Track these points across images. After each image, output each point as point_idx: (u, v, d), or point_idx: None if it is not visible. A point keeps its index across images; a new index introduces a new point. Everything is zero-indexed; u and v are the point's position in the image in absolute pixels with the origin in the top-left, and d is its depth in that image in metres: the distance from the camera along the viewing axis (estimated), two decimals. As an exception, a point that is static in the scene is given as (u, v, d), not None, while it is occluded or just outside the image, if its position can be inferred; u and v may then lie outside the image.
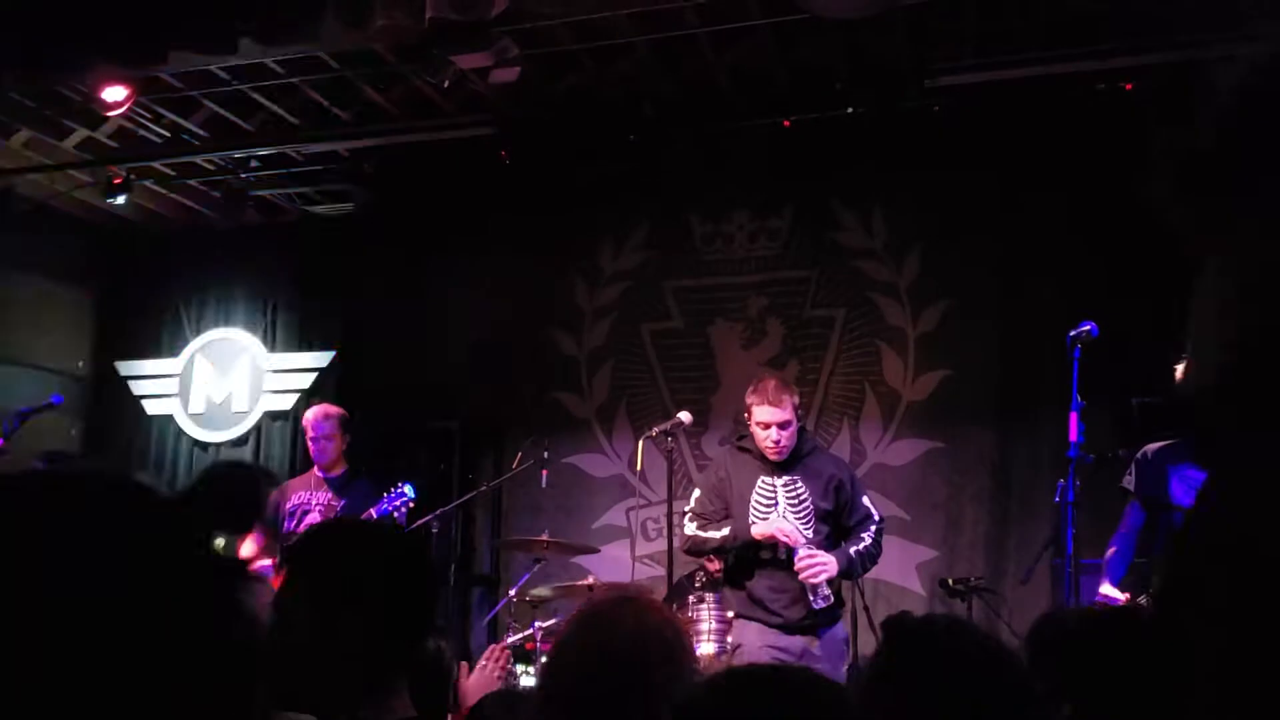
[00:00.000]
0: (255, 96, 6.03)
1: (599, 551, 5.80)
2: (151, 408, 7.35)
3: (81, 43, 4.24)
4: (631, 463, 4.42)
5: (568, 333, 6.75)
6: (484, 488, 5.76)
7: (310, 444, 5.34)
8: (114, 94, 5.38)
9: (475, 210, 6.79)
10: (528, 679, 5.39)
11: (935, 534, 5.98)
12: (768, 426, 3.95)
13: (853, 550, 3.98)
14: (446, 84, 4.92)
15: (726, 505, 4.03)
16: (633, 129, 6.12)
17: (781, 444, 3.94)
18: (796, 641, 3.97)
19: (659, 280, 6.61)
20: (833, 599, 3.93)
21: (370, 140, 6.34)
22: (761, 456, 4.01)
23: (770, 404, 3.96)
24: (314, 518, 5.11)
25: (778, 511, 3.96)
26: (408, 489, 4.85)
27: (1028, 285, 5.87)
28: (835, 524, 4.05)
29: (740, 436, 4.19)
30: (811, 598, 3.84)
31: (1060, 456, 4.39)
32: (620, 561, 6.18)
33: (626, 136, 6.15)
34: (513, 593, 5.43)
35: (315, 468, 5.38)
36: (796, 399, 4.08)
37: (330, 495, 5.24)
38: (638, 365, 6.54)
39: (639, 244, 6.69)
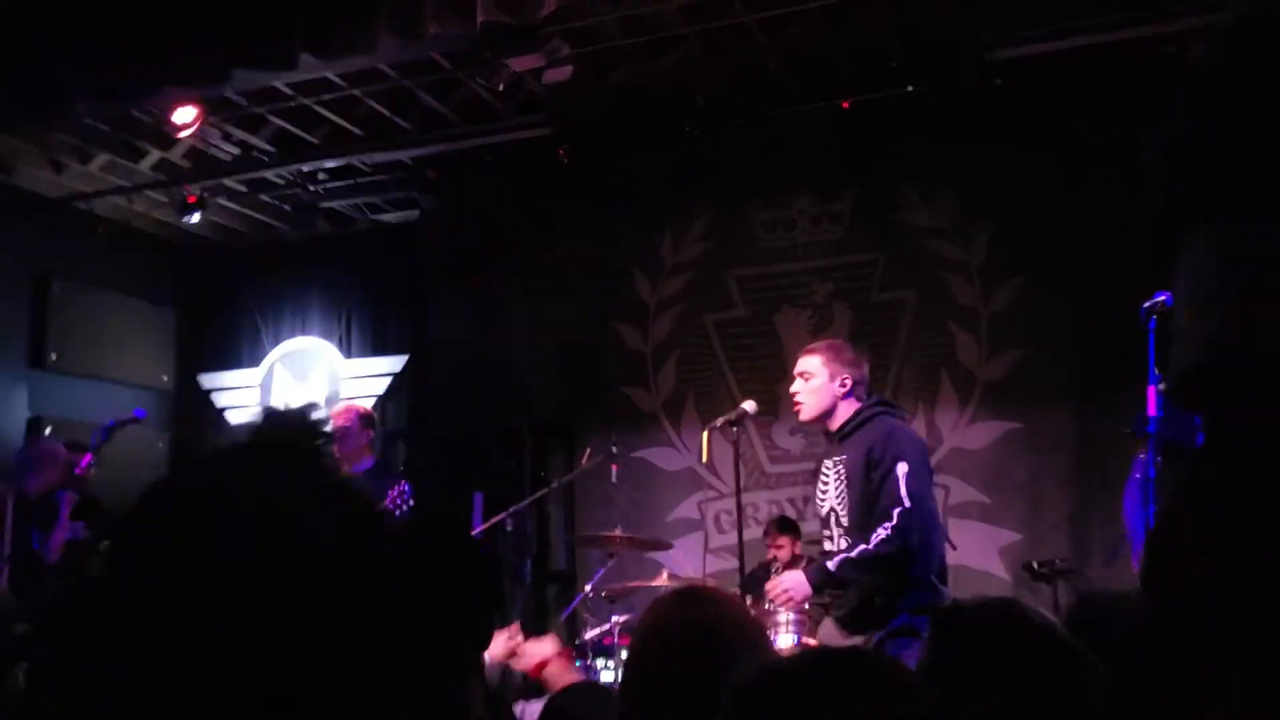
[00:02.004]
0: (319, 110, 6.16)
1: (672, 546, 5.79)
2: (234, 418, 7.56)
3: (147, 67, 4.37)
4: (700, 455, 4.38)
5: (632, 327, 6.76)
6: (554, 485, 5.80)
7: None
8: (183, 115, 5.55)
9: (537, 210, 6.84)
10: (608, 673, 5.42)
11: (1017, 517, 5.85)
12: (793, 379, 3.76)
13: (832, 564, 3.52)
14: (501, 87, 4.96)
15: None
16: (688, 120, 6.10)
17: (796, 397, 3.71)
18: (858, 641, 3.57)
19: (721, 270, 6.58)
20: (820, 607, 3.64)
21: (432, 147, 6.43)
22: (830, 437, 3.75)
23: (801, 353, 3.79)
24: None
25: (829, 500, 3.72)
26: (405, 485, 4.76)
27: (1101, 257, 5.69)
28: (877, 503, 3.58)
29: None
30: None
31: (1143, 432, 4.26)
32: (694, 554, 6.18)
33: (682, 128, 6.14)
34: (588, 588, 5.46)
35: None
36: (833, 356, 3.66)
37: None
38: (704, 356, 6.52)
39: (700, 234, 6.67)
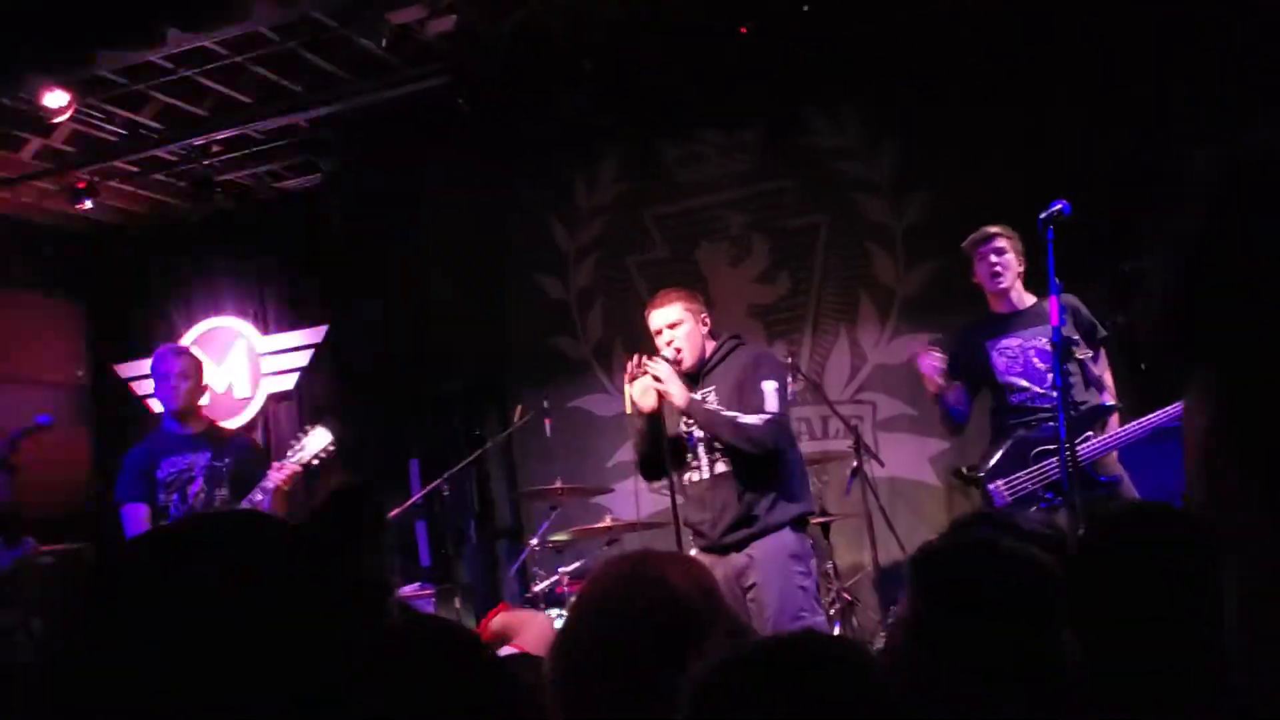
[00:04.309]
0: (203, 81, 5.92)
1: (613, 490, 5.82)
2: (156, 406, 7.37)
3: (7, 55, 4.14)
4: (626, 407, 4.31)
5: (554, 276, 6.69)
6: (489, 444, 5.77)
7: (160, 387, 4.58)
8: (55, 100, 5.29)
9: (444, 163, 6.67)
10: (561, 623, 5.47)
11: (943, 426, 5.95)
12: (659, 333, 3.87)
13: (722, 411, 3.70)
14: (385, 42, 4.80)
15: None
16: (587, 58, 5.96)
17: (675, 345, 3.82)
18: (733, 563, 3.74)
19: (637, 210, 6.53)
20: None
21: (324, 108, 6.21)
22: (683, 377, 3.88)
23: (654, 307, 3.92)
24: (199, 485, 4.44)
25: (697, 429, 3.86)
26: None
27: (1010, 163, 5.72)
28: None
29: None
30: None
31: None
32: (638, 496, 6.21)
33: (582, 66, 6.00)
34: (534, 541, 5.48)
35: (173, 424, 4.59)
36: (690, 302, 3.91)
37: (210, 455, 4.49)
38: (629, 300, 6.48)
39: (612, 176, 6.59)
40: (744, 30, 5.81)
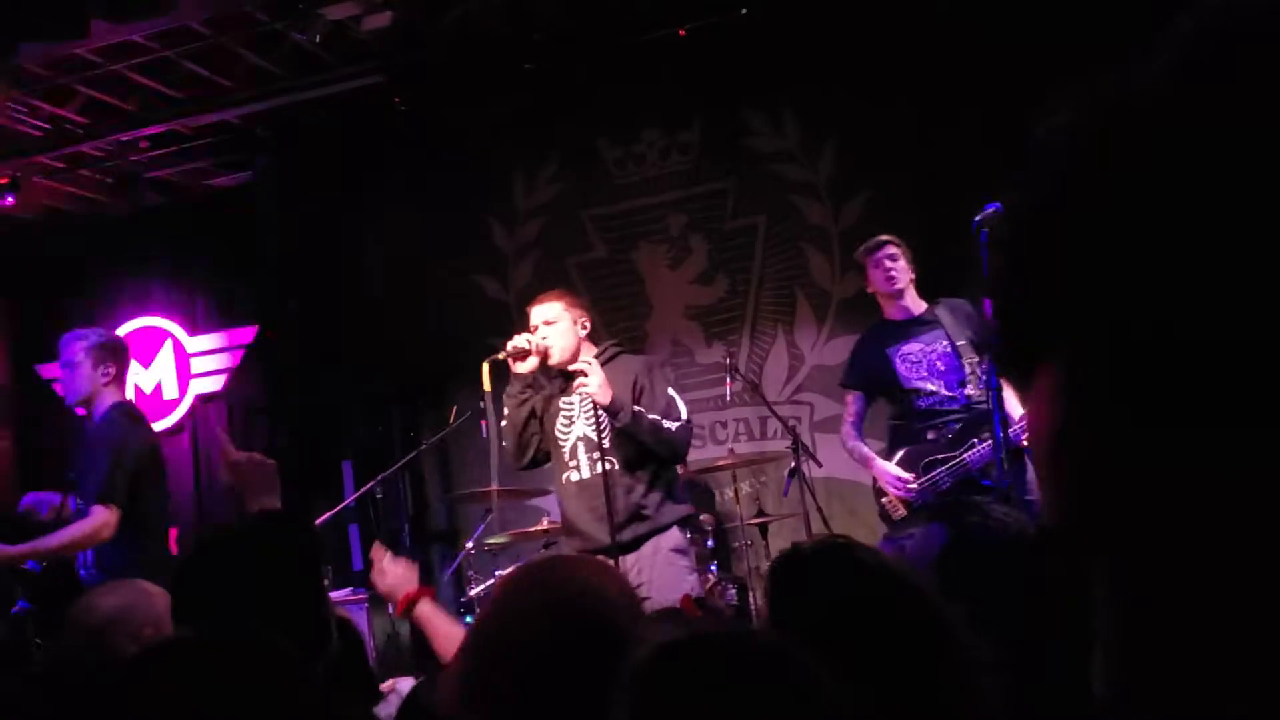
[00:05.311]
0: (132, 75, 5.78)
1: (550, 493, 5.78)
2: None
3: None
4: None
5: (492, 277, 6.64)
6: (423, 447, 5.71)
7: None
8: (-24, 93, 5.14)
9: (380, 163, 6.60)
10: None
11: (880, 425, 6.01)
12: (535, 329, 3.91)
13: (647, 414, 3.73)
14: (319, 38, 4.72)
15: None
16: (526, 57, 5.94)
17: (545, 342, 3.85)
18: (624, 565, 3.71)
19: (576, 211, 6.50)
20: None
21: (258, 105, 6.11)
22: (559, 376, 3.95)
23: (535, 303, 3.97)
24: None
25: (576, 430, 3.91)
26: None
27: (944, 166, 5.80)
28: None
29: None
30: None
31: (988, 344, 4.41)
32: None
33: (521, 66, 5.97)
34: (469, 545, 5.43)
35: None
36: (570, 306, 3.94)
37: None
38: (567, 300, 6.47)
39: (550, 176, 6.55)
40: (682, 33, 5.84)
